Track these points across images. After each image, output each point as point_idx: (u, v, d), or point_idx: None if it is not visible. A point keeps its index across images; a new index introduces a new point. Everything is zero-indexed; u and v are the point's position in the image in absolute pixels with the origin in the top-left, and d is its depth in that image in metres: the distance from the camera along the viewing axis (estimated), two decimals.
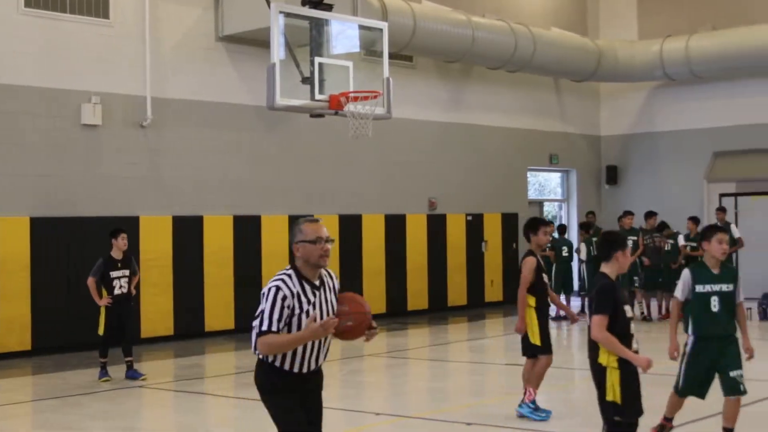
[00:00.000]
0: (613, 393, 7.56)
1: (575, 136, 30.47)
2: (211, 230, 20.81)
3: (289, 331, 6.48)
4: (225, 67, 21.34)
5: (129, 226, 17.53)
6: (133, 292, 15.63)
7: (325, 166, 23.06)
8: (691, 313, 9.42)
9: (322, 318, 6.49)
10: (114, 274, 15.18)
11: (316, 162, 22.87)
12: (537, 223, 11.84)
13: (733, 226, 22.24)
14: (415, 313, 24.46)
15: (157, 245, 19.83)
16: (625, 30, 30.32)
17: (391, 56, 19.12)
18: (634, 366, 7.59)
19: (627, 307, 7.71)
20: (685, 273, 9.51)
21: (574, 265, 24.39)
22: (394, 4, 22.56)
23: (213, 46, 21.15)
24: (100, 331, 15.19)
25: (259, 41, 20.11)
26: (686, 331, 9.50)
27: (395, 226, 24.40)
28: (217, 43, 21.20)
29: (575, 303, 23.85)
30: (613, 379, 7.56)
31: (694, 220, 22.67)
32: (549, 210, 31.02)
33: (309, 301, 6.52)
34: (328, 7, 17.58)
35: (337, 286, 6.81)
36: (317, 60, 16.93)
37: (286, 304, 6.45)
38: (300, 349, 6.55)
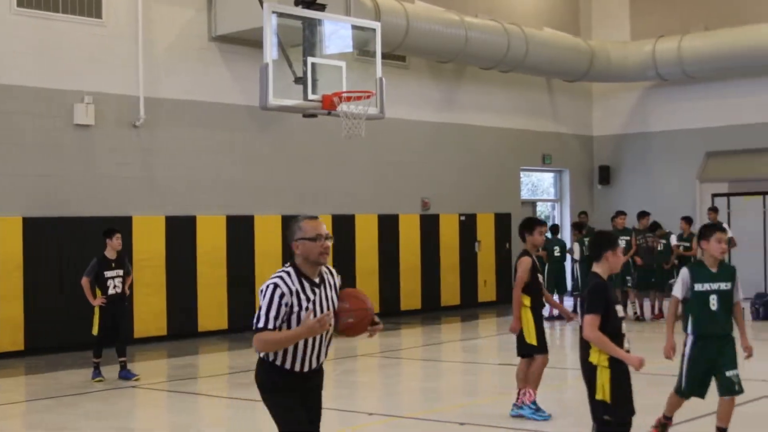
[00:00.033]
0: (603, 392, 7.55)
1: (568, 136, 30.50)
2: (204, 230, 20.80)
3: (288, 328, 6.42)
4: (218, 67, 21.33)
5: (122, 226, 17.50)
6: (127, 292, 15.61)
7: (318, 166, 23.06)
8: (691, 312, 9.39)
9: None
10: (108, 274, 15.16)
11: (309, 162, 22.87)
12: (532, 223, 11.84)
13: (725, 226, 22.25)
14: (408, 313, 24.47)
15: (150, 245, 19.82)
16: (618, 30, 30.35)
17: (384, 56, 19.13)
18: (625, 366, 7.59)
19: (619, 307, 7.71)
20: (684, 271, 9.47)
21: (567, 265, 24.41)
22: (387, 4, 22.56)
23: (206, 46, 21.14)
24: (94, 331, 15.17)
25: (252, 41, 20.10)
26: (685, 330, 9.47)
27: (388, 226, 24.41)
28: (210, 43, 21.19)
29: (568, 303, 23.89)
30: (603, 378, 7.55)
31: (687, 220, 22.71)
32: (542, 210, 31.04)
33: (308, 299, 6.45)
34: (321, 7, 17.58)
35: (338, 283, 6.75)
36: (310, 60, 16.93)
37: (284, 301, 6.38)
38: (301, 348, 6.49)
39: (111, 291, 15.14)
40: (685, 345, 9.48)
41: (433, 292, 25.48)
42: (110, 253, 15.26)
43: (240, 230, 21.38)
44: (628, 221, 23.04)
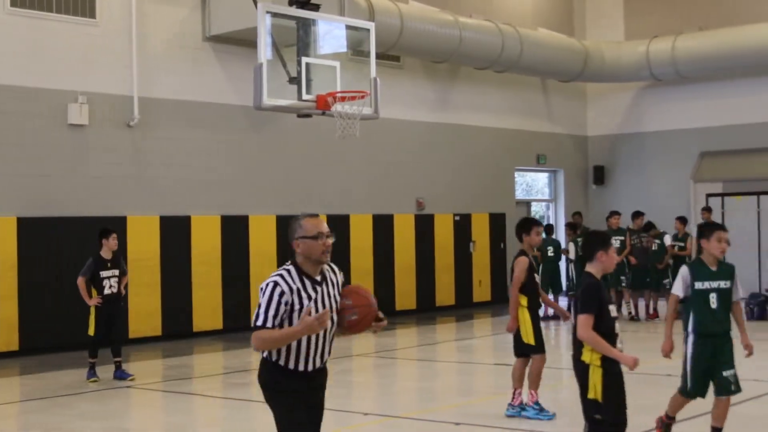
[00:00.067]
0: (595, 391, 7.55)
1: (562, 136, 30.51)
2: (199, 230, 20.79)
3: (289, 326, 6.32)
4: (212, 67, 21.31)
5: (116, 226, 17.47)
6: (123, 292, 15.59)
7: (312, 166, 23.05)
8: (691, 311, 9.35)
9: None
10: (104, 273, 15.14)
11: (303, 162, 22.86)
12: (530, 224, 11.84)
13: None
14: (403, 313, 24.45)
15: (144, 245, 19.80)
16: (612, 30, 30.38)
17: (378, 56, 19.13)
18: (618, 366, 7.59)
19: (612, 307, 7.71)
20: (684, 270, 9.42)
21: (562, 265, 24.39)
22: (381, 5, 22.55)
23: (200, 46, 21.12)
24: (91, 331, 15.14)
25: (246, 41, 20.09)
26: (685, 329, 9.41)
27: (383, 226, 24.40)
28: (204, 43, 21.18)
29: (563, 303, 23.89)
30: (595, 377, 7.55)
31: (682, 220, 22.73)
32: (536, 210, 31.05)
33: (310, 297, 6.37)
34: (315, 7, 17.57)
35: (341, 280, 6.68)
36: (304, 60, 16.93)
37: (283, 300, 6.29)
38: (304, 346, 6.40)
39: (107, 291, 15.13)
40: (685, 344, 9.43)
41: (428, 292, 25.48)
42: (106, 253, 15.24)
43: (235, 230, 21.37)
44: (623, 221, 23.05)
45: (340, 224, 23.10)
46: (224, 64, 21.43)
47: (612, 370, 7.57)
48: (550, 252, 23.27)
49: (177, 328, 20.33)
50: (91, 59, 19.45)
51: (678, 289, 9.41)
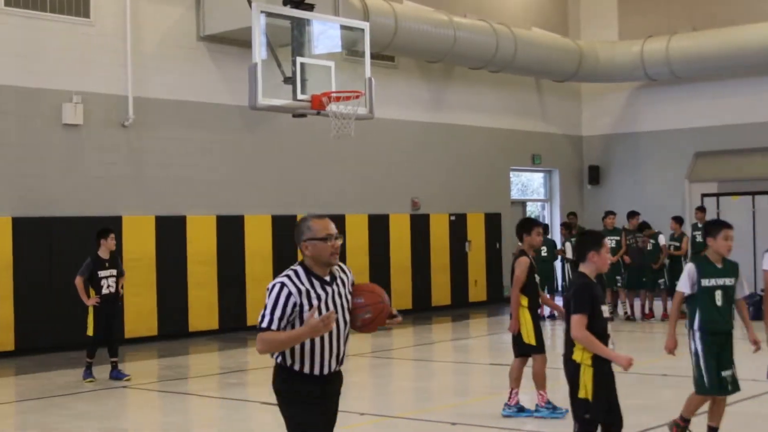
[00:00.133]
0: (586, 390, 7.53)
1: (557, 136, 30.53)
2: (194, 230, 20.77)
3: (300, 326, 6.13)
4: (207, 66, 21.30)
5: (112, 226, 17.38)
6: (121, 292, 15.56)
7: (307, 166, 23.04)
8: (697, 308, 9.28)
9: (335, 313, 6.19)
10: (102, 273, 15.11)
11: (298, 162, 22.86)
12: (530, 224, 11.84)
13: None
14: (399, 313, 24.38)
15: (139, 245, 19.77)
16: (606, 30, 30.40)
17: (373, 56, 19.14)
18: (608, 366, 7.58)
19: (604, 308, 7.69)
20: (690, 267, 9.37)
21: (556, 264, 24.41)
22: (376, 4, 22.55)
23: (194, 45, 21.11)
24: (90, 331, 15.09)
25: (240, 41, 20.07)
26: (691, 327, 9.30)
27: (378, 226, 24.40)
28: (199, 43, 21.16)
29: (558, 303, 23.87)
30: (586, 376, 7.54)
31: (677, 219, 22.74)
32: (532, 210, 31.06)
33: (319, 297, 6.17)
34: (310, 7, 17.58)
35: (351, 279, 6.48)
36: (299, 60, 16.93)
37: (291, 301, 6.09)
38: (318, 348, 6.19)
39: (105, 291, 15.10)
40: (693, 342, 9.32)
41: (423, 292, 25.48)
42: (104, 253, 15.22)
43: (230, 230, 21.35)
44: (618, 221, 23.05)
45: (335, 224, 23.05)
46: (219, 64, 21.41)
47: (603, 370, 7.56)
48: (544, 252, 23.26)
49: (173, 328, 20.31)
50: (86, 59, 19.43)
51: (684, 285, 9.32)
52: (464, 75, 27.16)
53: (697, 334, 9.29)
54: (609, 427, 7.67)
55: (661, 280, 22.17)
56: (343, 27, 18.38)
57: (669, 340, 9.44)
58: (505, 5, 28.82)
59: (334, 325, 6.15)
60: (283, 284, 6.16)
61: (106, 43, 19.74)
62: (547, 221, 29.90)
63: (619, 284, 22.14)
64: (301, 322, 6.09)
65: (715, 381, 9.28)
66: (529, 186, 31.43)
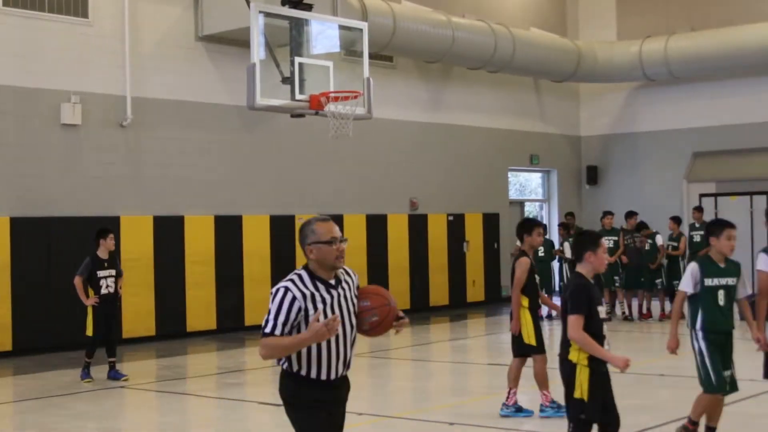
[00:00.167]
0: (581, 390, 7.53)
1: (555, 136, 30.54)
2: (192, 230, 20.77)
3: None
4: (205, 67, 21.30)
5: (110, 226, 17.37)
6: (120, 292, 15.55)
7: (305, 166, 23.05)
8: (700, 308, 9.24)
9: (341, 318, 6.10)
10: (101, 273, 15.10)
11: (296, 162, 22.86)
12: (531, 224, 11.84)
13: None
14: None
15: (138, 245, 19.76)
16: (605, 31, 30.40)
17: (371, 56, 19.13)
18: (604, 366, 7.58)
19: (601, 308, 7.69)
20: (693, 266, 9.30)
21: (554, 264, 24.40)
22: (374, 4, 22.56)
23: (193, 45, 21.10)
24: (89, 331, 15.08)
25: (239, 41, 20.08)
26: (693, 326, 9.26)
27: (376, 226, 24.40)
28: (197, 43, 21.16)
29: (556, 302, 23.88)
30: (582, 376, 7.54)
31: (676, 220, 22.74)
32: (530, 210, 31.07)
33: (324, 301, 6.05)
34: (308, 7, 17.58)
35: (356, 282, 6.37)
36: (297, 60, 16.92)
37: (295, 306, 5.97)
38: (325, 353, 6.07)
39: (104, 291, 15.08)
40: (696, 341, 9.28)
41: (421, 292, 25.48)
42: (103, 253, 15.21)
43: (228, 230, 21.35)
44: (616, 221, 23.06)
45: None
46: (217, 64, 21.41)
47: (599, 370, 7.57)
48: (542, 252, 23.28)
49: (171, 328, 20.31)
50: (84, 59, 19.43)
51: (686, 285, 9.27)
52: (462, 75, 27.16)
53: (700, 334, 9.24)
54: (605, 427, 7.68)
55: (658, 280, 22.18)
56: (342, 27, 18.38)
57: (671, 339, 9.40)
58: (504, 5, 28.83)
59: (340, 329, 6.07)
60: (287, 289, 6.03)
61: (104, 44, 19.74)
62: (545, 221, 29.88)
63: (617, 284, 22.14)
64: (307, 326, 5.97)
65: (722, 379, 9.23)
66: (527, 186, 31.44)
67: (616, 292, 22.30)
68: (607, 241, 21.11)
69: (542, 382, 11.52)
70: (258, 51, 16.36)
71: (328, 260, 6.14)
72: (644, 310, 22.32)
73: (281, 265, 21.87)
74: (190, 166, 20.93)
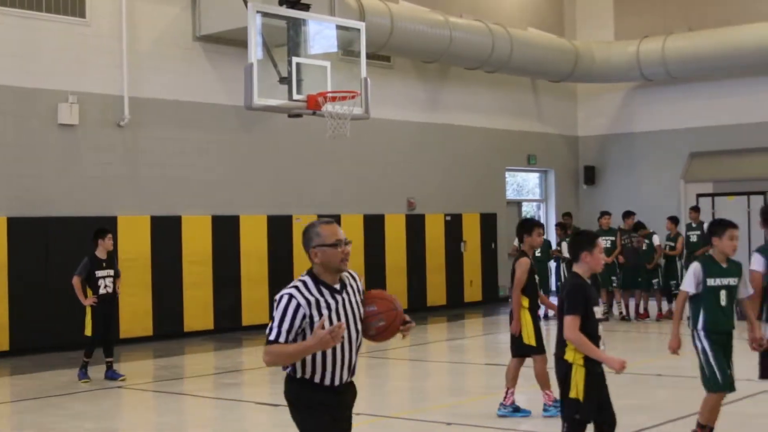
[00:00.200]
0: (577, 390, 7.53)
1: (553, 136, 30.55)
2: (190, 230, 20.76)
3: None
4: (202, 66, 21.29)
5: (107, 226, 17.37)
6: (119, 292, 15.54)
7: (303, 166, 23.04)
8: (702, 308, 9.20)
9: (346, 323, 6.02)
10: (99, 273, 15.08)
11: (294, 162, 22.86)
12: (531, 225, 11.83)
13: (706, 225, 22.24)
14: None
15: (135, 245, 19.75)
16: (602, 31, 30.42)
17: (369, 56, 19.12)
18: (600, 367, 7.58)
19: (597, 309, 7.69)
20: (696, 266, 9.27)
21: (551, 265, 24.40)
22: (372, 5, 22.56)
23: (190, 45, 21.10)
24: (88, 331, 15.05)
25: (236, 41, 20.08)
26: (695, 326, 9.23)
27: (374, 226, 24.39)
28: (195, 43, 21.15)
29: (554, 302, 23.87)
30: (578, 376, 7.54)
31: (673, 220, 22.74)
32: (527, 210, 31.08)
33: (329, 307, 5.99)
34: (306, 7, 17.57)
35: (361, 286, 6.27)
36: (295, 60, 16.91)
37: (299, 313, 5.91)
38: (330, 358, 6.01)
39: (102, 291, 15.07)
40: (699, 341, 9.24)
41: (419, 292, 25.47)
42: (101, 253, 15.19)
43: (225, 230, 21.34)
44: (614, 221, 23.07)
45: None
46: (215, 64, 21.41)
47: (594, 371, 7.57)
48: (538, 252, 23.27)
49: (168, 328, 20.30)
50: (81, 59, 19.42)
51: (689, 285, 9.23)
52: (460, 75, 27.17)
53: (702, 334, 9.21)
54: (601, 426, 7.68)
55: (655, 280, 22.18)
56: (339, 27, 18.37)
57: (673, 339, 9.35)
58: (501, 5, 28.84)
59: (345, 335, 6.01)
60: (291, 296, 5.96)
61: (101, 43, 19.73)
62: (542, 222, 29.88)
63: (614, 284, 22.15)
64: (312, 333, 5.89)
65: (728, 377, 9.18)
66: (524, 186, 31.45)
67: (613, 292, 22.32)
68: (604, 241, 21.16)
69: (544, 382, 11.51)
70: (255, 51, 16.35)
71: (333, 263, 6.05)
72: (641, 310, 22.32)
73: (279, 265, 21.88)
74: (187, 166, 20.93)
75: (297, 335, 5.94)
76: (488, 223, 27.49)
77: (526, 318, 11.56)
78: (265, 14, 16.69)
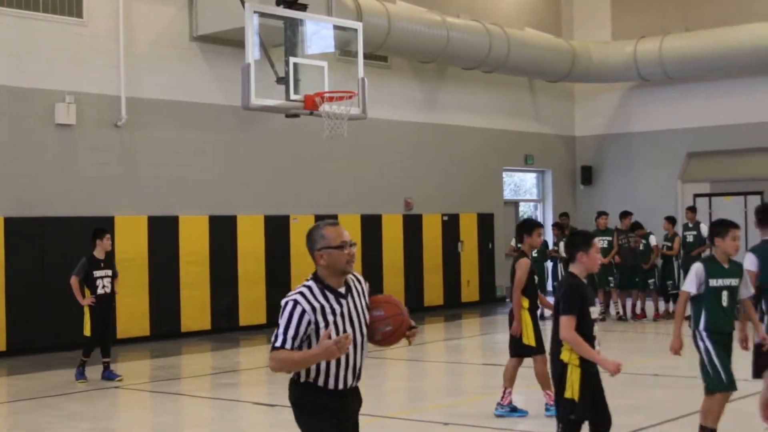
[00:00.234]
0: (572, 390, 7.53)
1: (550, 136, 30.55)
2: (187, 230, 20.75)
3: (318, 343, 5.87)
4: (199, 67, 21.28)
5: (104, 226, 17.37)
6: (117, 292, 15.53)
7: (300, 166, 23.04)
8: (704, 308, 9.16)
9: (352, 327, 5.99)
10: (97, 273, 15.08)
11: (291, 162, 22.85)
12: (532, 225, 11.82)
13: (703, 226, 22.28)
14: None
15: (132, 245, 19.74)
16: (599, 31, 30.43)
17: (366, 56, 19.12)
18: (595, 367, 7.58)
19: (593, 309, 7.68)
20: (698, 267, 9.21)
21: (547, 265, 24.41)
22: (369, 5, 22.55)
23: (187, 45, 21.09)
24: (87, 331, 15.04)
25: (233, 41, 20.07)
26: (697, 327, 9.18)
27: (371, 226, 24.38)
28: (192, 43, 21.15)
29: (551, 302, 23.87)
30: (573, 376, 7.54)
31: (670, 220, 22.74)
32: (524, 210, 31.08)
33: (335, 312, 5.94)
34: (303, 7, 17.56)
35: (366, 289, 6.21)
36: (292, 60, 16.89)
37: (305, 320, 5.86)
38: (335, 363, 5.95)
39: (100, 291, 15.07)
40: (702, 342, 9.18)
41: (416, 292, 25.46)
42: (99, 253, 15.19)
43: (223, 230, 21.33)
44: (611, 221, 23.06)
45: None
46: (212, 64, 21.40)
47: (590, 371, 7.57)
48: (535, 252, 23.24)
49: (165, 329, 20.29)
50: (79, 59, 19.41)
51: (690, 285, 9.18)
52: (457, 75, 27.17)
53: (704, 334, 9.16)
54: (597, 426, 7.68)
55: (650, 281, 22.17)
56: (336, 27, 18.36)
57: (675, 340, 9.27)
58: (498, 5, 28.84)
59: (352, 348, 5.97)
60: (296, 302, 5.90)
61: (98, 44, 19.72)
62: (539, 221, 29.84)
63: (611, 284, 22.15)
64: (317, 338, 5.86)
65: (731, 376, 9.14)
66: (521, 186, 31.45)
67: (610, 292, 22.31)
68: (601, 242, 21.17)
69: (545, 382, 11.50)
70: (253, 51, 16.32)
71: (339, 265, 5.99)
72: (638, 311, 22.33)
73: (276, 265, 21.88)
74: (184, 166, 20.92)
75: (302, 342, 5.89)
76: (485, 223, 27.49)
77: (526, 318, 11.55)
78: (262, 14, 16.67)
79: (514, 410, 11.64)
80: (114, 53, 19.85)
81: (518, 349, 11.65)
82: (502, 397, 11.69)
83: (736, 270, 9.26)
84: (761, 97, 27.89)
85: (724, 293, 9.13)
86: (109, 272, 15.24)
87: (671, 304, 22.15)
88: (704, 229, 22.16)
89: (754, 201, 26.89)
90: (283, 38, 17.12)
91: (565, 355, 7.58)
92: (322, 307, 5.91)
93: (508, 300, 26.31)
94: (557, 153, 30.86)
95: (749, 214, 26.71)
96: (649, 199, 28.83)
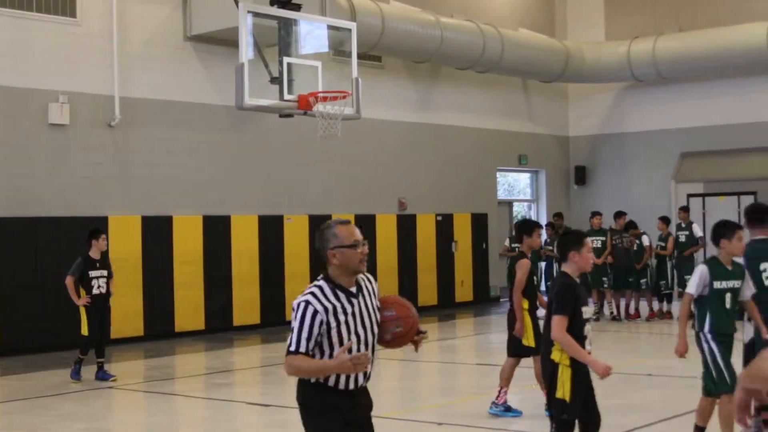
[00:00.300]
0: (563, 390, 7.53)
1: (544, 136, 30.57)
2: (181, 230, 20.74)
3: (329, 344, 5.86)
4: (193, 66, 21.27)
5: (98, 226, 17.38)
6: (113, 292, 15.52)
7: (294, 166, 23.03)
8: (708, 310, 9.11)
9: (363, 327, 5.93)
10: (93, 273, 15.08)
11: (285, 162, 22.84)
12: (532, 226, 11.82)
13: (695, 226, 22.32)
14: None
15: (126, 245, 19.72)
16: (593, 31, 30.45)
17: (360, 56, 19.13)
18: (586, 367, 7.58)
19: (586, 309, 7.68)
20: (702, 269, 9.15)
21: (540, 265, 24.39)
22: (363, 5, 22.56)
23: (181, 45, 21.08)
24: (84, 331, 15.04)
25: (227, 41, 20.07)
26: (701, 329, 9.12)
27: (365, 226, 24.31)
28: (185, 43, 21.13)
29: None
30: (564, 376, 7.54)
31: (664, 220, 22.75)
32: (518, 210, 31.10)
33: (346, 312, 5.88)
34: (297, 7, 17.57)
35: (376, 289, 6.19)
36: (286, 60, 16.90)
37: (317, 320, 5.80)
38: None
39: (95, 291, 15.06)
40: (706, 343, 9.13)
41: (410, 292, 25.40)
42: (95, 254, 15.19)
43: (216, 230, 21.32)
44: (605, 221, 23.08)
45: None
46: (205, 64, 21.39)
47: (581, 371, 7.58)
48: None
49: (159, 329, 20.28)
50: (72, 59, 19.39)
51: (693, 287, 9.12)
52: (451, 75, 27.18)
53: (709, 336, 9.11)
54: (586, 426, 7.68)
55: (643, 280, 22.18)
56: (330, 27, 18.37)
57: (680, 342, 9.22)
58: (492, 6, 28.85)
59: (361, 338, 5.94)
60: (308, 302, 5.86)
61: (92, 43, 19.70)
62: None
63: (605, 284, 22.16)
64: (329, 339, 5.85)
65: (735, 377, 8.92)
66: (515, 186, 31.47)
67: (604, 292, 22.33)
68: (594, 242, 21.20)
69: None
70: (246, 51, 16.34)
71: (351, 264, 5.98)
72: (632, 311, 22.34)
73: (270, 265, 21.87)
74: (178, 166, 20.91)
75: (316, 343, 5.86)
76: (479, 223, 27.50)
77: (526, 319, 11.55)
78: (256, 14, 16.67)
79: (508, 410, 11.65)
80: (108, 53, 19.84)
81: (517, 350, 11.65)
82: (497, 396, 11.69)
83: (739, 271, 9.21)
84: (755, 97, 27.93)
85: (728, 295, 9.08)
86: (105, 272, 15.24)
87: (665, 304, 22.18)
88: (696, 229, 22.20)
89: (748, 201, 26.91)
90: (277, 38, 17.13)
91: (555, 355, 7.58)
92: (334, 308, 5.87)
93: (503, 300, 26.34)
94: (551, 153, 30.88)
95: (743, 215, 26.79)
96: (643, 199, 28.86)
